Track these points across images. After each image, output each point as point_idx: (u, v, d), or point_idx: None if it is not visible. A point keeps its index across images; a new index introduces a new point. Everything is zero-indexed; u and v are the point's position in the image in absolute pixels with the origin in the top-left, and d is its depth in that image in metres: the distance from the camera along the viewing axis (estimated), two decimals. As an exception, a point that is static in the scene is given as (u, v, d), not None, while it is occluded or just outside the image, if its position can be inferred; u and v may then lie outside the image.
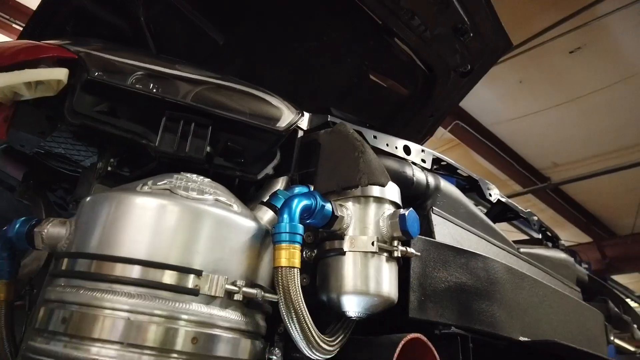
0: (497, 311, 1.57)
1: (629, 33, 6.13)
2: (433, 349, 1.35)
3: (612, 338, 2.34)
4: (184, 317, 1.01)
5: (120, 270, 1.02)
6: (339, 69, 3.46)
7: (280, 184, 1.48)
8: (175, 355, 1.00)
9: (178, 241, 1.04)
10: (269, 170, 1.45)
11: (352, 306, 1.29)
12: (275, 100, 1.45)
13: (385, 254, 1.30)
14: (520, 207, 2.31)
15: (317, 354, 1.19)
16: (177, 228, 1.05)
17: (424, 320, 1.41)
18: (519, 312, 1.67)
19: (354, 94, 3.60)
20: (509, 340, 1.60)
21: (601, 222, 10.74)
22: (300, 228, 1.17)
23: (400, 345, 1.29)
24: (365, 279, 1.27)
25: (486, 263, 1.58)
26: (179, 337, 1.00)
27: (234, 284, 1.08)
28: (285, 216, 1.17)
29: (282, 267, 1.12)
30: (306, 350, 1.17)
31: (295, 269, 1.13)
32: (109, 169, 1.35)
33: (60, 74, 1.25)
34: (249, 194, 1.53)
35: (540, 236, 2.48)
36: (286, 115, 1.42)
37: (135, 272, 1.02)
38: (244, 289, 1.08)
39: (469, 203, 1.86)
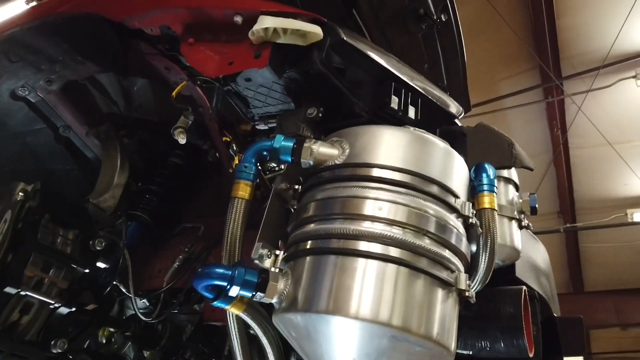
0: (549, 287, 2.09)
1: (520, 128, 7.59)
2: (529, 302, 1.79)
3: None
4: (428, 210, 1.29)
5: (394, 175, 1.31)
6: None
7: None
8: (426, 234, 1.26)
9: (443, 168, 1.39)
10: None
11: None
12: (448, 97, 1.86)
13: (517, 222, 1.75)
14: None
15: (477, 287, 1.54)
16: (443, 160, 1.40)
17: (521, 280, 1.86)
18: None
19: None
20: (549, 314, 2.11)
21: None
22: (495, 181, 1.55)
23: (524, 291, 1.71)
24: (507, 236, 1.70)
25: (543, 250, 2.11)
26: (427, 220, 1.27)
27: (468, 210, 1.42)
28: (484, 174, 1.55)
29: (486, 208, 1.50)
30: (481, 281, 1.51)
31: (495, 212, 1.51)
32: (320, 115, 1.61)
33: (318, 29, 1.52)
34: None
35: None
36: (453, 107, 1.83)
37: (406, 178, 1.31)
38: (474, 217, 1.42)
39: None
